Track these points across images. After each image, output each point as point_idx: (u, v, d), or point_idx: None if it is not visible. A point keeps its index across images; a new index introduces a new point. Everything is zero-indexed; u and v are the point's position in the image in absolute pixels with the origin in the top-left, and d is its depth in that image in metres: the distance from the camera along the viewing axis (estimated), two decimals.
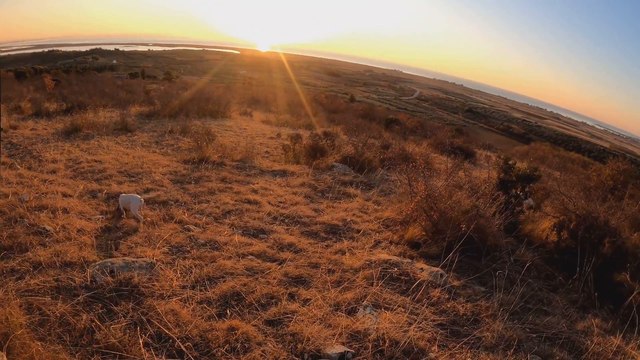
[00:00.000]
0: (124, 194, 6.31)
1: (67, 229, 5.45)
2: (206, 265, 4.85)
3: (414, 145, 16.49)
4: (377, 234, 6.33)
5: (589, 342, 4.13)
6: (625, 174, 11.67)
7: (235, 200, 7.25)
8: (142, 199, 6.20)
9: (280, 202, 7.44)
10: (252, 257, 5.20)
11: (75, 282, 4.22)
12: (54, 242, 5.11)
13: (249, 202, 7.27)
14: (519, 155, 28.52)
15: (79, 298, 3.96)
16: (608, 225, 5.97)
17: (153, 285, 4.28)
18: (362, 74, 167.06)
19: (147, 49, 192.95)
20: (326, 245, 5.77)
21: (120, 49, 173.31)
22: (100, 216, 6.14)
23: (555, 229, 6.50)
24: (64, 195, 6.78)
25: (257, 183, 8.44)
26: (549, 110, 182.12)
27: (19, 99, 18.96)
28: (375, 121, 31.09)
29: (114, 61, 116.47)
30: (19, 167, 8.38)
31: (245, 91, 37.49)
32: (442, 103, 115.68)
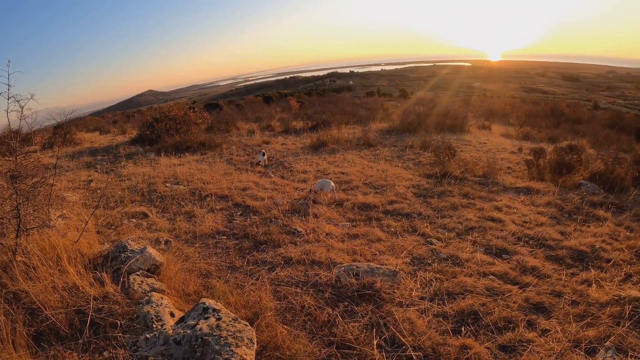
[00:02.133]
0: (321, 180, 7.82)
1: (317, 232, 6.05)
2: (446, 279, 4.80)
3: None
4: (629, 265, 5.53)
5: None
6: None
7: (478, 217, 7.05)
8: (333, 184, 7.73)
9: (525, 222, 6.96)
10: (493, 277, 4.98)
11: (321, 279, 4.63)
12: (304, 242, 5.74)
13: (492, 219, 6.99)
14: None
15: (325, 294, 4.35)
16: None
17: (393, 292, 4.40)
18: (604, 75, 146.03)
19: (380, 69, 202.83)
20: (572, 273, 5.18)
21: (355, 70, 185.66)
22: (347, 223, 6.62)
23: None
24: (314, 202, 7.51)
25: (501, 200, 8.07)
26: None
27: (268, 119, 21.95)
28: (625, 131, 27.10)
29: (351, 82, 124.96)
30: (272, 175, 9.72)
31: (481, 104, 36.31)
32: None
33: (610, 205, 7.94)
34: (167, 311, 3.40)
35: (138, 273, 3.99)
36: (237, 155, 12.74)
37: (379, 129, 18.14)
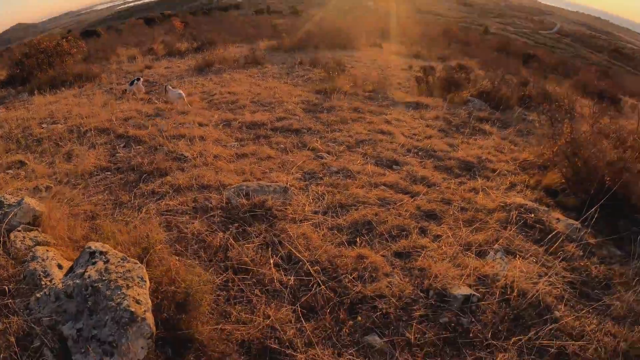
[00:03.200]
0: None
1: (204, 154, 5.68)
2: (339, 192, 4.74)
3: (554, 85, 15.06)
4: (513, 175, 5.81)
5: None
6: None
7: (368, 130, 7.06)
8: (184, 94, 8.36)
9: (414, 134, 7.09)
10: (384, 187, 5.00)
11: (212, 204, 4.36)
12: (191, 167, 5.36)
13: (382, 132, 7.03)
14: None
15: (215, 218, 4.10)
16: None
17: (286, 209, 4.27)
18: (497, 3, 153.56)
19: None
20: (460, 182, 5.39)
21: None
22: (236, 143, 6.31)
23: None
24: (200, 124, 7.09)
25: (390, 114, 8.15)
26: None
27: (151, 42, 20.39)
28: (512, 56, 28.74)
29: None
30: (156, 101, 8.97)
31: (374, 23, 36.42)
32: (585, 40, 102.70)
33: (495, 121, 8.32)
34: (54, 264, 3.06)
35: (19, 229, 3.51)
36: (117, 84, 11.66)
37: (267, 46, 17.63)
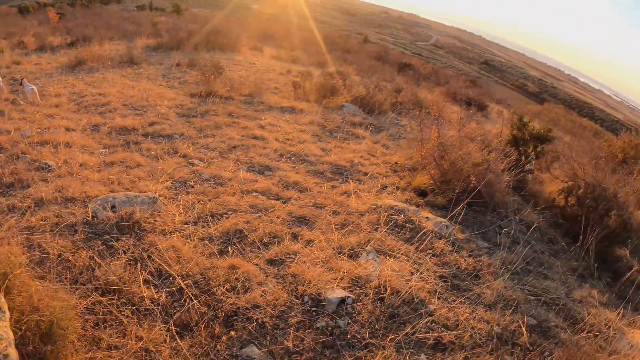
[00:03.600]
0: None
1: (70, 163, 5.31)
2: (209, 201, 4.72)
3: (426, 92, 16.08)
4: (385, 178, 6.15)
5: (585, 312, 3.98)
6: (637, 149, 11.28)
7: (242, 136, 7.07)
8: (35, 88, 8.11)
9: (288, 140, 7.24)
10: (256, 194, 5.07)
11: (76, 218, 4.10)
12: (55, 177, 4.97)
13: (256, 137, 7.09)
14: (532, 114, 27.68)
15: (78, 235, 3.84)
16: (616, 199, 5.73)
17: (155, 220, 4.15)
18: (377, 14, 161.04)
19: None
20: (332, 186, 5.61)
21: None
22: (104, 150, 5.99)
23: (563, 194, 6.30)
24: (67, 129, 6.63)
25: (265, 119, 8.23)
26: (566, 72, 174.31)
27: (22, 34, 18.36)
28: (389, 64, 30.35)
29: None
30: (21, 102, 8.22)
31: (257, 26, 36.38)
32: (457, 52, 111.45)
33: (369, 126, 8.69)
34: None
35: None
36: None
37: (146, 45, 16.92)
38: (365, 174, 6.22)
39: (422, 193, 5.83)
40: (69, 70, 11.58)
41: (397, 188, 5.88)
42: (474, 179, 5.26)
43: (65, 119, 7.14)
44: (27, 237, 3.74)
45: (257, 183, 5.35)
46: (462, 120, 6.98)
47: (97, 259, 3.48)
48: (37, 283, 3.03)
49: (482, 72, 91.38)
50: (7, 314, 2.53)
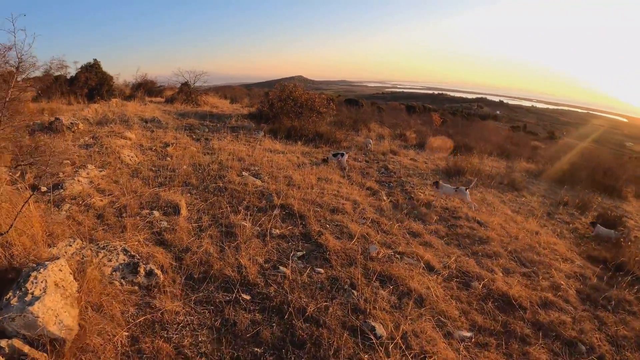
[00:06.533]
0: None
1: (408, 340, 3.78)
2: None
3: None
4: None
5: None
6: None
7: None
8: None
9: None
10: None
11: None
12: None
13: None
14: None
15: None
16: None
17: None
18: None
19: (530, 105, 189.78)
20: None
21: (505, 101, 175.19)
22: (469, 334, 4.14)
23: None
24: (427, 266, 5.11)
25: None
26: None
27: (405, 127, 19.45)
28: None
29: (498, 112, 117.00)
30: (384, 198, 7.56)
31: (636, 167, 30.63)
32: None
33: None
34: None
35: None
36: (353, 159, 10.60)
37: (525, 169, 14.90)
38: None
39: None
40: (444, 177, 10.50)
41: None
42: None
43: (430, 246, 5.71)
44: None
45: None
46: None
47: None
48: None
49: None
50: None
